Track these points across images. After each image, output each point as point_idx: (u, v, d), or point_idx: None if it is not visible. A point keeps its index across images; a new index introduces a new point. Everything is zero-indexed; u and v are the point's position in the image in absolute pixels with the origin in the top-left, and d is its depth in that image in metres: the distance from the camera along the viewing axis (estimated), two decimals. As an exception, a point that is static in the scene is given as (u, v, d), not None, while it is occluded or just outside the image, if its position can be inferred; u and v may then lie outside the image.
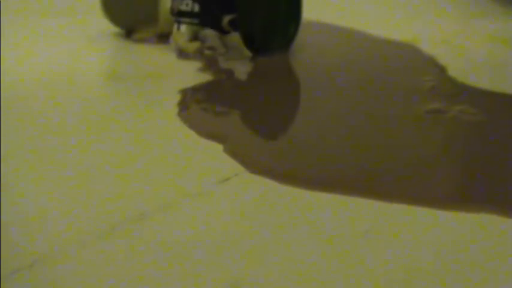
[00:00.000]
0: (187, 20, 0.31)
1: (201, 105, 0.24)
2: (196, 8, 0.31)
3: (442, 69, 0.28)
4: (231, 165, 0.19)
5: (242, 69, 0.29)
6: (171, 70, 0.29)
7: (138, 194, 0.17)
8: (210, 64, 0.30)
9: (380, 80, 0.27)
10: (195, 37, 0.32)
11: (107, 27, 0.35)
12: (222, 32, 0.32)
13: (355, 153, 0.20)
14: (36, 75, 0.28)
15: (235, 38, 0.31)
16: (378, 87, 0.26)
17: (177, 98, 0.25)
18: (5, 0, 0.49)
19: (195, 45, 0.31)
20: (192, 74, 0.28)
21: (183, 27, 0.31)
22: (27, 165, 0.19)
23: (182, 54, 0.31)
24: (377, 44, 0.33)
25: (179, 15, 0.31)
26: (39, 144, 0.20)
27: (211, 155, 0.20)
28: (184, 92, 0.26)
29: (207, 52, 0.31)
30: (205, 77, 0.28)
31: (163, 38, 0.33)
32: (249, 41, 0.30)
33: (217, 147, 0.20)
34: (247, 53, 0.31)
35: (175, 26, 0.32)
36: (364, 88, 0.26)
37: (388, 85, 0.26)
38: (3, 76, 0.26)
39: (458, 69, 0.28)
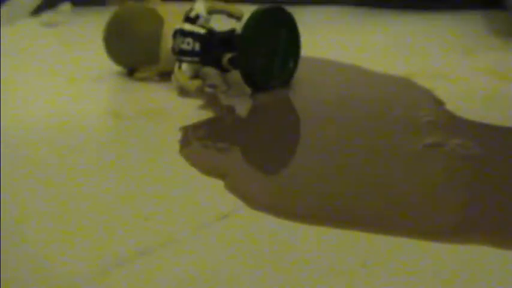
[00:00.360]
0: (188, 58, 0.32)
1: (202, 142, 0.25)
2: (197, 47, 0.32)
3: (439, 104, 0.28)
4: (232, 201, 0.20)
5: (243, 105, 0.30)
6: (172, 107, 0.30)
7: (137, 231, 0.18)
8: (211, 101, 0.30)
9: (378, 114, 0.28)
10: (196, 75, 0.32)
11: (110, 66, 0.36)
12: (223, 70, 0.32)
13: (354, 188, 0.20)
14: (37, 116, 0.28)
15: (235, 75, 0.32)
16: (375, 121, 0.27)
17: (179, 135, 0.26)
18: (4, 39, 0.50)
19: (196, 83, 0.31)
20: (193, 111, 0.29)
21: (185, 66, 0.32)
22: (29, 203, 0.19)
23: (184, 92, 0.32)
24: (374, 79, 0.34)
25: (181, 54, 0.32)
26: (40, 183, 0.21)
27: (212, 191, 0.20)
28: (186, 129, 0.26)
29: (208, 90, 0.32)
30: (207, 114, 0.28)
31: (165, 76, 0.33)
32: (249, 78, 0.31)
33: (218, 184, 0.21)
34: (248, 90, 0.31)
35: (177, 64, 0.32)
36: (362, 122, 0.26)
37: (386, 119, 0.27)
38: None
39: (455, 103, 0.28)
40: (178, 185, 0.21)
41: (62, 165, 0.22)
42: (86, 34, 0.54)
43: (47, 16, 0.64)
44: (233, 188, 0.20)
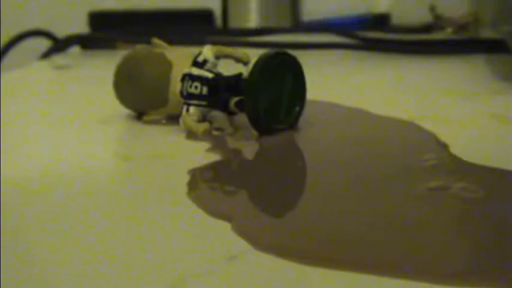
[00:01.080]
0: (196, 102, 0.32)
1: (209, 185, 0.25)
2: (205, 90, 0.32)
3: (443, 147, 0.29)
4: (239, 243, 0.20)
5: (249, 148, 0.30)
6: (180, 150, 0.30)
7: (145, 274, 0.18)
8: (218, 144, 0.31)
9: (383, 157, 0.28)
10: (203, 118, 0.33)
11: (119, 108, 0.36)
12: (230, 113, 0.33)
13: (360, 231, 0.20)
14: (44, 159, 0.29)
15: (242, 118, 0.33)
16: (381, 164, 0.27)
17: (186, 177, 0.26)
18: (15, 81, 0.51)
19: (203, 126, 0.32)
20: (200, 154, 0.29)
21: (192, 109, 0.33)
22: (35, 248, 0.20)
23: (191, 134, 0.32)
24: (379, 121, 0.34)
25: (188, 97, 0.33)
26: (47, 227, 0.21)
27: (219, 234, 0.21)
28: (193, 172, 0.27)
29: (215, 132, 0.32)
30: (214, 157, 0.29)
31: (173, 119, 0.34)
32: (256, 121, 0.31)
33: (225, 226, 0.21)
34: (254, 133, 0.32)
35: (185, 107, 0.33)
36: (367, 165, 0.27)
37: (390, 162, 0.27)
38: (4, 169, 0.27)
39: (460, 147, 0.29)
40: (185, 227, 0.21)
41: (70, 208, 0.23)
42: (95, 77, 0.55)
43: (57, 59, 0.65)
44: (240, 230, 0.21)
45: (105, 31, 0.75)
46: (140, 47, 0.37)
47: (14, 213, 0.22)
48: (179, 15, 0.85)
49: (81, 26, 0.84)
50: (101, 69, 0.58)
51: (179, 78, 0.33)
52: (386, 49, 0.62)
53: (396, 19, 0.86)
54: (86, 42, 0.70)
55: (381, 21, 0.84)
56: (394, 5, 0.87)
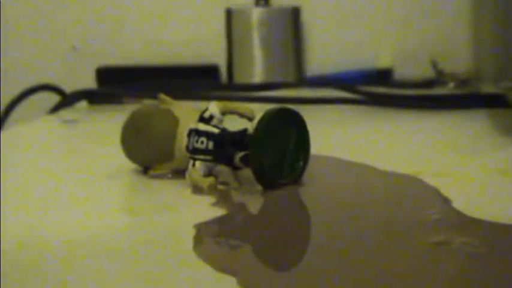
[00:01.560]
0: (202, 157, 0.33)
1: (215, 239, 0.25)
2: (211, 145, 0.33)
3: (445, 202, 0.29)
4: (244, 298, 0.20)
5: (254, 202, 0.31)
6: (186, 204, 0.30)
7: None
8: (223, 198, 0.31)
9: (386, 212, 0.28)
10: (209, 172, 0.34)
11: (125, 163, 0.37)
12: (235, 167, 0.33)
13: (363, 285, 0.20)
14: (51, 215, 0.29)
15: (247, 173, 0.33)
16: (384, 219, 0.27)
17: (192, 231, 0.26)
18: (23, 136, 0.51)
19: (209, 181, 0.32)
20: (206, 208, 0.30)
21: (198, 164, 0.33)
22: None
23: (197, 189, 0.32)
24: (382, 176, 0.34)
25: (194, 152, 0.33)
26: (55, 283, 0.21)
27: (225, 288, 0.21)
28: (199, 226, 0.27)
29: (220, 187, 0.33)
30: (219, 211, 0.29)
31: (179, 173, 0.35)
32: (260, 176, 0.31)
33: (231, 281, 0.21)
34: (259, 187, 0.32)
35: (191, 162, 0.33)
36: (370, 220, 0.27)
37: (394, 217, 0.27)
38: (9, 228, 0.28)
39: (462, 202, 0.29)
40: (191, 282, 0.21)
41: (75, 264, 0.23)
42: (102, 131, 0.55)
43: (65, 113, 0.66)
44: (246, 285, 0.21)
45: (112, 87, 0.77)
46: (147, 103, 0.38)
47: (16, 273, 0.22)
48: (185, 70, 0.87)
49: (89, 81, 0.85)
50: (107, 123, 0.59)
51: (185, 133, 0.34)
52: (389, 104, 0.63)
53: (399, 74, 0.88)
54: (94, 97, 0.71)
55: (383, 76, 0.86)
56: (397, 60, 0.89)
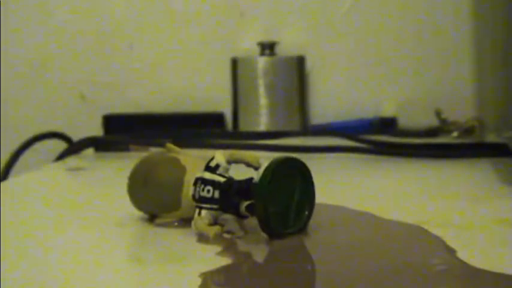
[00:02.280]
0: (207, 205, 0.33)
1: (220, 288, 0.25)
2: (217, 194, 0.33)
3: (450, 252, 0.29)
4: None
5: (259, 252, 0.31)
6: (192, 253, 0.31)
7: None
8: (228, 247, 0.31)
9: (391, 262, 0.28)
10: (215, 221, 0.34)
11: (131, 211, 0.37)
12: (240, 216, 0.34)
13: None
14: (56, 266, 0.29)
15: (252, 221, 0.33)
16: (388, 270, 0.27)
17: (198, 281, 0.26)
18: (29, 184, 0.52)
19: (214, 229, 0.32)
20: (212, 257, 0.30)
21: (204, 212, 0.33)
22: None
23: (203, 237, 0.33)
24: (387, 226, 0.35)
25: (200, 201, 0.34)
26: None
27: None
28: (205, 275, 0.27)
29: (226, 235, 0.33)
30: (225, 260, 0.29)
31: (185, 222, 0.35)
32: (266, 225, 0.32)
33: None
34: (264, 237, 0.32)
35: (197, 211, 0.34)
36: (375, 270, 0.27)
37: (399, 268, 0.27)
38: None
39: (467, 252, 0.29)
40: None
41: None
42: (108, 179, 0.56)
43: (71, 161, 0.67)
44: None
45: (118, 134, 0.77)
46: (154, 151, 0.38)
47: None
48: (191, 118, 0.88)
49: (95, 129, 0.86)
50: (114, 171, 0.59)
51: (192, 182, 0.34)
52: (393, 152, 0.63)
53: (403, 123, 0.88)
54: (100, 145, 0.72)
55: (388, 124, 0.86)
56: (401, 109, 0.89)
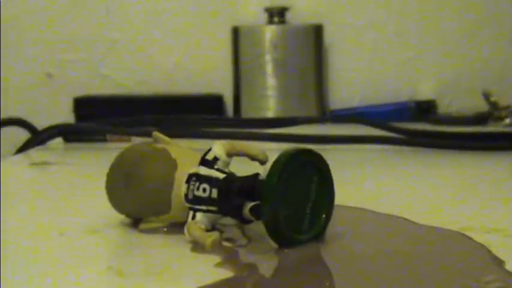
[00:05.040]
0: (204, 207, 0.33)
1: (219, 307, 0.26)
2: (215, 194, 0.33)
3: (497, 263, 0.30)
4: None
5: (266, 264, 0.31)
6: (184, 266, 0.31)
7: None
8: (229, 258, 0.31)
9: (429, 279, 0.28)
10: (212, 227, 0.34)
11: (111, 215, 0.38)
12: (244, 221, 0.34)
13: None
14: (26, 280, 0.30)
15: (258, 227, 0.33)
16: (425, 286, 0.28)
17: (192, 298, 0.27)
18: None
19: (212, 237, 0.32)
20: (208, 269, 0.30)
21: (199, 216, 0.34)
22: None
23: (198, 246, 0.33)
24: (422, 232, 0.35)
25: (195, 202, 0.34)
26: None
27: None
28: (200, 291, 0.27)
29: (225, 244, 0.33)
30: (224, 273, 0.29)
31: (176, 227, 0.35)
32: (275, 232, 0.32)
33: None
34: (273, 245, 0.32)
35: (191, 214, 0.34)
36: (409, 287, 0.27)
37: (438, 283, 0.28)
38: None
39: (518, 263, 0.29)
40: None
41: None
42: (81, 176, 0.56)
43: (35, 154, 0.67)
44: None
45: (93, 121, 0.78)
46: (138, 142, 0.38)
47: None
48: (182, 102, 0.88)
49: (65, 115, 0.86)
50: (88, 167, 0.60)
51: (184, 179, 0.34)
52: (431, 144, 0.63)
53: (443, 107, 0.88)
54: (71, 134, 0.72)
55: (425, 110, 0.86)
56: (442, 90, 0.89)
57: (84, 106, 0.88)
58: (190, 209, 0.34)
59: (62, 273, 0.30)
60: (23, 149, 0.70)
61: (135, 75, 0.93)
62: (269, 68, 0.85)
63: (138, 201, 0.36)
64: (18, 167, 0.62)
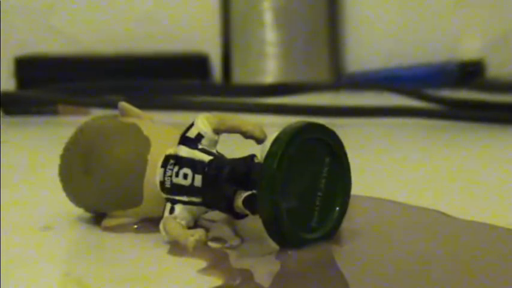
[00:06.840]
0: (185, 198, 0.34)
1: (205, 323, 0.26)
2: (198, 181, 0.33)
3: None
4: None
5: (264, 268, 0.31)
6: (160, 272, 0.31)
7: None
8: (217, 262, 0.32)
9: (470, 283, 0.29)
10: (195, 223, 0.34)
11: (66, 208, 0.38)
12: (235, 215, 0.34)
13: None
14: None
15: (254, 223, 0.34)
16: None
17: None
18: None
19: (195, 235, 0.32)
20: (191, 276, 0.30)
21: (179, 209, 0.34)
22: None
23: (177, 248, 0.33)
24: (463, 230, 0.35)
25: (174, 191, 0.34)
26: None
27: None
28: (181, 304, 0.28)
29: (212, 244, 0.33)
30: (211, 281, 0.30)
31: (150, 223, 0.35)
32: (275, 228, 0.32)
33: None
34: (273, 246, 0.33)
35: (168, 207, 0.34)
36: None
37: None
38: None
39: None
40: None
41: None
42: (25, 157, 0.56)
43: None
44: None
45: (40, 88, 0.77)
46: (100, 116, 0.38)
47: None
48: (158, 63, 0.88)
49: (4, 80, 0.87)
50: (34, 146, 0.59)
51: (160, 162, 0.35)
52: (477, 117, 0.63)
53: (493, 70, 0.88)
54: (12, 105, 0.72)
55: (469, 73, 0.86)
56: (490, 50, 0.89)
57: (29, 68, 0.88)
58: (168, 200, 0.34)
59: (12, 283, 0.30)
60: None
61: (95, 28, 0.93)
62: (268, 18, 0.85)
63: (101, 191, 0.36)
64: None
